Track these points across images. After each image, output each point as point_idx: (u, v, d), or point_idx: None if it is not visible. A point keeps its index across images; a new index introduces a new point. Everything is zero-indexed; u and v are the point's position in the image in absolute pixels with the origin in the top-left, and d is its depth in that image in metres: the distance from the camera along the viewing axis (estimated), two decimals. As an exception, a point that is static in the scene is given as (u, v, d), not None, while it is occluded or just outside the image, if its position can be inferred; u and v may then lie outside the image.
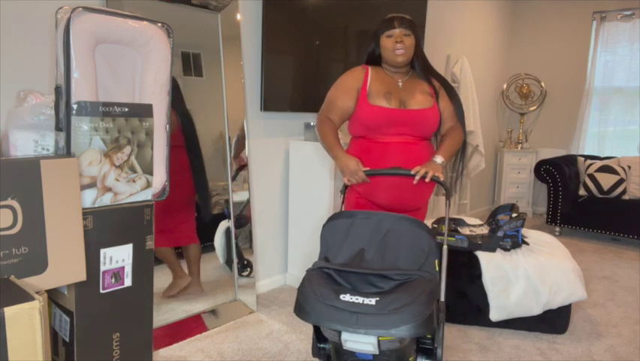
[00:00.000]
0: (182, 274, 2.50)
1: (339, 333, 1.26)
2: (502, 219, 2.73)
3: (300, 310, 1.28)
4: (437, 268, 1.43)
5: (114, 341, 1.56)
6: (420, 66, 1.99)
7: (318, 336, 1.50)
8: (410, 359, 1.40)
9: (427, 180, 1.73)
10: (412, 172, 1.74)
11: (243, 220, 2.77)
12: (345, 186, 1.89)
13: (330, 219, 1.54)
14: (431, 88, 1.97)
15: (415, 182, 1.77)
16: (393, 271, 1.34)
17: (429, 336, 1.45)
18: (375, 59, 2.01)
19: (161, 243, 2.40)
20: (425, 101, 1.93)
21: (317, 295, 1.27)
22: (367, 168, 1.82)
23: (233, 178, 2.69)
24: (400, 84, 1.94)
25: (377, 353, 1.26)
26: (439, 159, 1.85)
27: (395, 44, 1.88)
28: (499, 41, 5.54)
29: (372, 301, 1.22)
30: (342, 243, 1.48)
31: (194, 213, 2.55)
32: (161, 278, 2.43)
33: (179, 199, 2.46)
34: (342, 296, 1.24)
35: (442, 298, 1.51)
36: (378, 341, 1.23)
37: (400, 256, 1.42)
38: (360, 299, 1.22)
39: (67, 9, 1.38)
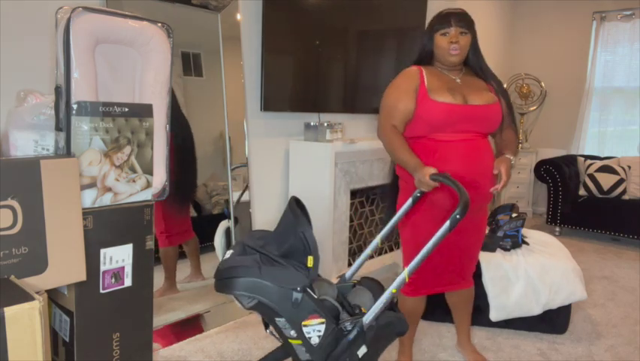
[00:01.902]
0: (173, 282, 2.50)
1: None
2: (502, 219, 2.73)
3: None
4: (310, 265, 1.46)
5: (114, 341, 1.56)
6: (476, 64, 1.90)
7: None
8: (291, 341, 1.49)
9: (500, 189, 1.75)
10: (495, 188, 1.77)
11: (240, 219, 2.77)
12: (421, 192, 1.81)
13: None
14: (489, 85, 1.91)
15: (499, 189, 1.76)
16: (262, 249, 1.52)
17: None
18: (426, 56, 1.90)
19: (165, 243, 2.42)
20: (488, 97, 1.85)
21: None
22: (436, 174, 1.66)
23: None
24: (458, 81, 1.86)
25: (243, 305, 1.45)
26: (510, 155, 1.81)
27: (450, 44, 1.79)
28: (499, 41, 5.54)
29: (228, 255, 1.50)
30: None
31: (189, 209, 2.57)
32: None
33: (172, 198, 2.49)
34: (227, 252, 1.54)
35: (311, 291, 1.52)
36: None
37: (279, 241, 1.57)
38: (228, 255, 1.50)
39: (67, 9, 1.38)
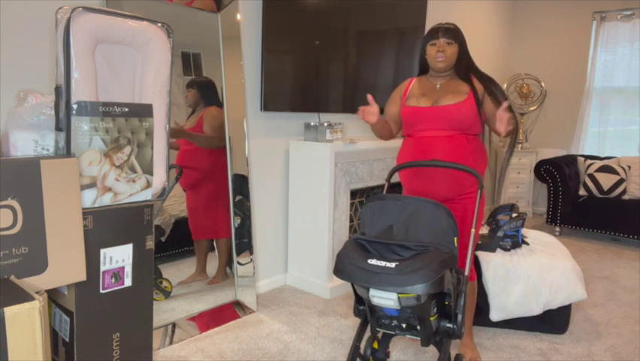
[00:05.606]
0: (203, 270, 2.61)
1: (368, 290, 1.55)
2: (502, 219, 2.73)
3: (337, 271, 1.58)
4: (456, 245, 1.65)
5: (114, 341, 1.56)
6: (461, 70, 2.13)
7: (358, 299, 1.80)
8: (431, 318, 1.67)
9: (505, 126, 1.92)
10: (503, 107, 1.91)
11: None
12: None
13: (368, 201, 1.80)
14: (469, 88, 2.09)
15: (502, 109, 1.91)
16: (412, 242, 1.59)
17: (447, 303, 1.71)
18: (423, 65, 2.21)
19: (204, 235, 2.61)
20: (456, 98, 2.07)
21: (350, 259, 1.56)
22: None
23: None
24: (438, 86, 2.14)
25: (398, 308, 1.54)
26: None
27: (437, 53, 2.07)
28: (499, 41, 5.54)
29: (393, 265, 1.50)
30: (377, 220, 1.75)
31: (227, 210, 2.72)
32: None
33: (223, 197, 2.68)
34: (369, 260, 1.53)
35: (467, 273, 1.78)
36: (399, 297, 1.51)
37: (421, 232, 1.68)
38: (383, 263, 1.51)
39: (67, 9, 1.38)
